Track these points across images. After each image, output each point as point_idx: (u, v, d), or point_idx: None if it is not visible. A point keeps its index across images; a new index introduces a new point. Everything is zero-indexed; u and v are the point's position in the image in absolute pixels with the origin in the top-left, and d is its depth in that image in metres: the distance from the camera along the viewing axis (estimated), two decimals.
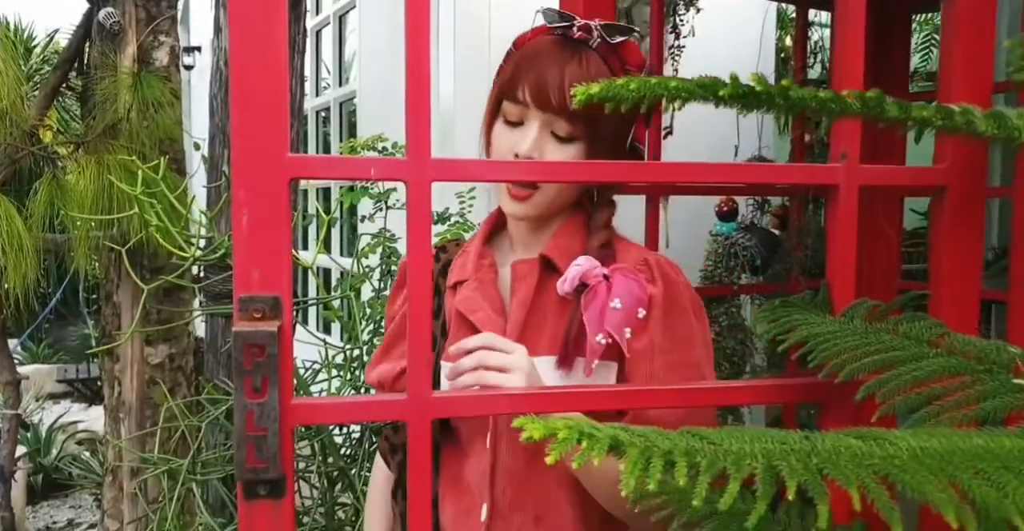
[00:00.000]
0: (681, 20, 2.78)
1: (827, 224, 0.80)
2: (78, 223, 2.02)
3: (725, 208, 2.11)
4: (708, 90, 0.56)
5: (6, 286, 1.95)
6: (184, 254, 1.41)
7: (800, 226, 2.06)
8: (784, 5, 4.11)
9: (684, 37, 2.72)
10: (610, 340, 0.95)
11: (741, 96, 0.57)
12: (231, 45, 0.69)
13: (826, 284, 0.81)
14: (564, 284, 0.99)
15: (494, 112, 1.06)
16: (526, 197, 1.02)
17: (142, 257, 2.33)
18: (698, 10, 2.78)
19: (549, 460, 0.43)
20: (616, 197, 1.10)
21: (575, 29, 1.01)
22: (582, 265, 0.98)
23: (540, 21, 1.06)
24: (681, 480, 0.39)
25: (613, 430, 0.45)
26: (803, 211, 2.10)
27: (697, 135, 2.31)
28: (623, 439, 0.43)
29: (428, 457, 0.75)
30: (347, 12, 5.55)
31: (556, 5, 1.66)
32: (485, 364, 0.90)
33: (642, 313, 0.98)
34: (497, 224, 1.15)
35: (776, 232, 2.21)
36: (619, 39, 1.02)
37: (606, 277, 0.98)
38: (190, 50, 7.33)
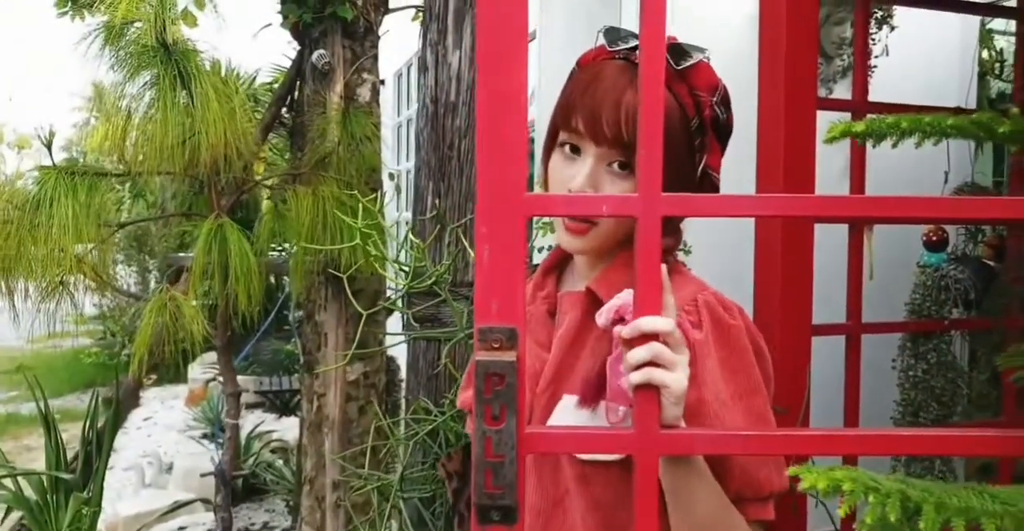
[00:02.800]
0: (873, 39, 2.66)
1: None
2: (294, 249, 2.22)
3: (934, 237, 1.96)
4: (983, 128, 0.54)
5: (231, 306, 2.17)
6: (400, 282, 1.52)
7: (1019, 257, 1.88)
8: (988, 20, 3.79)
9: (876, 57, 2.59)
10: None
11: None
12: (480, 96, 0.74)
13: None
14: (600, 317, 0.88)
15: (552, 140, 1.00)
16: (584, 231, 0.96)
17: (341, 281, 2.50)
18: (892, 28, 2.65)
19: (840, 512, 0.43)
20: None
21: (639, 53, 0.97)
22: (622, 298, 0.88)
23: (602, 41, 0.98)
24: None
25: (896, 483, 0.44)
26: (1022, 241, 1.92)
27: (890, 157, 2.17)
28: (912, 495, 0.42)
29: (654, 493, 0.76)
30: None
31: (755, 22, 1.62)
32: (658, 358, 0.77)
33: None
34: (565, 253, 1.09)
35: (991, 263, 2.03)
36: (687, 63, 0.94)
37: None
38: None
